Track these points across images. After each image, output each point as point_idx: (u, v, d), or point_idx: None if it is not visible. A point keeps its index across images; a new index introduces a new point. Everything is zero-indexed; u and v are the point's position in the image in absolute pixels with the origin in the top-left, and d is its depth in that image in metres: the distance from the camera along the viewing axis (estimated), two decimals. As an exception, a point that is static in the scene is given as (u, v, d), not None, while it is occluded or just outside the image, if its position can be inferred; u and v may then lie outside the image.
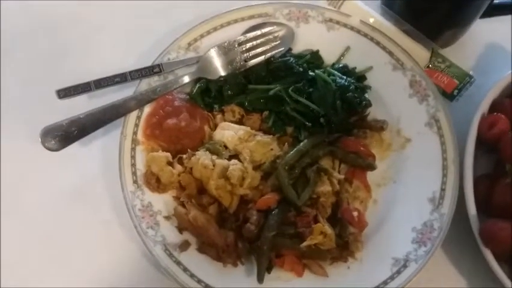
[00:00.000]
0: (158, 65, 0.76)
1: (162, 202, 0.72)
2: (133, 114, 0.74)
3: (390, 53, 0.78)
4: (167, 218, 0.72)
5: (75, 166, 0.77)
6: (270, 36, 0.78)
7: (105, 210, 0.75)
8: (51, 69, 0.82)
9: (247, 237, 0.69)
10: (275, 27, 0.79)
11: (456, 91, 0.81)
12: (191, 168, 0.72)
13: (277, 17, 0.80)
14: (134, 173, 0.72)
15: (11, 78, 0.82)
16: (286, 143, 0.74)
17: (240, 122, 0.76)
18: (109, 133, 0.77)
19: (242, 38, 0.78)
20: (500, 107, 0.75)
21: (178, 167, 0.73)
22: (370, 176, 0.75)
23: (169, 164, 0.73)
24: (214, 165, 0.71)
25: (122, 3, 0.85)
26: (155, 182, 0.72)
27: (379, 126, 0.76)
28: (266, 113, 0.76)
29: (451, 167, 0.72)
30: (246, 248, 0.70)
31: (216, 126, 0.76)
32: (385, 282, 0.68)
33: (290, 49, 0.80)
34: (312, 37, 0.80)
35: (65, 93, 0.74)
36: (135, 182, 0.72)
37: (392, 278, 0.68)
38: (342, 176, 0.73)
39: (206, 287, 0.68)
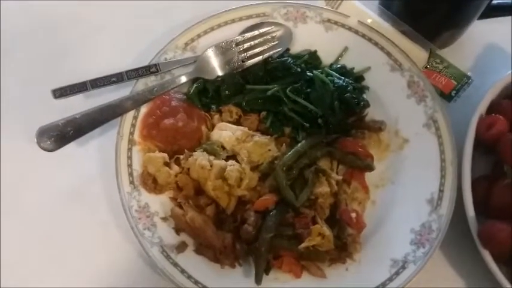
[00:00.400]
0: (155, 65, 0.76)
1: (159, 203, 0.72)
2: (130, 115, 0.74)
3: (388, 54, 0.78)
4: (164, 219, 0.71)
5: (71, 167, 0.76)
6: (268, 37, 0.78)
7: (102, 212, 0.75)
8: (49, 69, 0.82)
9: (245, 238, 0.69)
10: (273, 27, 0.79)
11: (454, 92, 0.81)
12: (188, 169, 0.72)
13: (275, 17, 0.80)
14: (131, 174, 0.72)
15: (8, 78, 0.81)
16: (284, 144, 0.74)
17: (237, 123, 0.76)
18: (105, 133, 0.76)
19: (240, 38, 0.77)
20: (499, 108, 0.75)
21: (175, 168, 0.72)
22: (368, 177, 0.75)
23: (166, 164, 0.72)
24: (211, 166, 0.70)
25: (119, 3, 0.85)
26: (152, 183, 0.71)
27: (377, 127, 0.76)
28: (264, 113, 0.76)
29: (449, 168, 0.72)
30: (243, 250, 0.69)
31: (213, 126, 0.76)
32: (384, 284, 0.68)
33: (288, 49, 0.80)
34: (310, 37, 0.80)
35: (61, 92, 0.73)
36: (131, 182, 0.71)
37: (390, 279, 0.68)
38: (340, 177, 0.73)
39: (203, 289, 0.68)
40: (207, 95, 0.77)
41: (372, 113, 0.77)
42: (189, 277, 0.68)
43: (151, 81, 0.76)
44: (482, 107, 0.75)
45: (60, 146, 0.71)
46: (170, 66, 0.77)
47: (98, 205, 0.75)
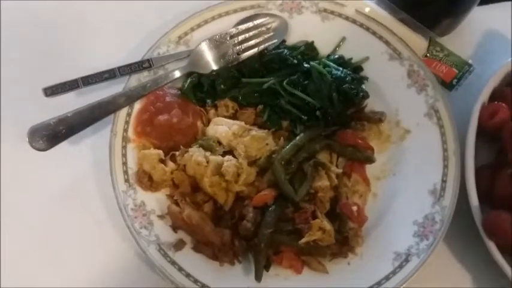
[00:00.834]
0: (148, 60, 0.74)
1: (155, 201, 0.71)
2: (123, 112, 0.73)
3: (387, 43, 0.77)
4: (161, 217, 0.70)
5: (64, 166, 0.75)
6: (263, 28, 0.77)
7: (97, 211, 0.73)
8: (39, 67, 0.80)
9: (243, 234, 0.68)
10: (268, 18, 0.77)
11: (455, 80, 0.79)
12: (184, 166, 0.70)
13: (270, 8, 0.78)
14: (126, 172, 0.71)
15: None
16: (281, 138, 0.73)
17: (233, 117, 0.75)
18: (99, 131, 0.75)
19: (234, 31, 0.76)
20: (501, 95, 0.74)
21: (171, 165, 0.71)
22: (369, 169, 0.74)
23: (162, 161, 0.71)
24: (208, 162, 0.69)
25: (110, -3, 0.83)
26: (147, 181, 0.70)
27: (377, 118, 0.75)
28: (260, 107, 0.75)
29: (452, 158, 0.71)
30: (242, 246, 0.68)
31: (209, 121, 0.75)
32: (387, 278, 0.67)
33: (284, 41, 0.79)
34: (306, 28, 0.78)
35: (52, 91, 0.72)
36: (126, 181, 0.70)
37: (394, 272, 0.67)
38: (340, 170, 0.72)
39: (203, 287, 0.66)
40: (202, 89, 0.75)
41: (371, 104, 0.76)
42: (188, 275, 0.67)
43: (144, 76, 0.75)
44: (484, 95, 0.73)
45: (52, 145, 0.69)
46: (163, 61, 0.75)
47: (93, 204, 0.73)
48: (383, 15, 0.79)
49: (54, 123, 0.69)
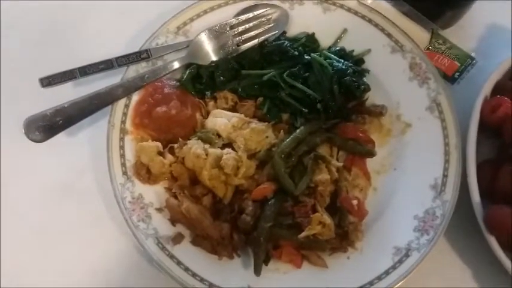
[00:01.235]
0: (146, 51, 0.73)
1: (154, 194, 0.70)
2: (121, 103, 0.72)
3: (389, 35, 0.76)
4: (159, 210, 0.69)
5: (61, 158, 0.74)
6: (263, 19, 0.76)
7: (94, 204, 0.72)
8: (36, 57, 0.79)
9: (243, 228, 0.67)
10: (268, 9, 0.76)
11: (457, 74, 0.79)
12: (183, 158, 0.69)
13: (271, -1, 0.77)
14: (123, 164, 0.70)
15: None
16: (281, 131, 0.72)
17: (233, 109, 0.74)
18: (96, 123, 0.74)
19: (234, 21, 0.75)
20: (504, 89, 0.73)
21: (170, 157, 0.70)
22: (370, 163, 0.73)
23: (160, 154, 0.70)
24: (207, 155, 0.68)
25: (107, -14, 0.82)
26: (145, 173, 0.69)
27: (378, 112, 0.74)
28: (260, 99, 0.74)
29: (454, 152, 0.70)
30: (241, 240, 0.68)
31: (208, 113, 0.74)
32: (387, 272, 0.66)
33: (284, 32, 0.77)
34: (307, 19, 0.77)
35: (49, 81, 0.71)
36: (124, 173, 0.69)
37: (394, 267, 0.66)
38: (340, 164, 0.71)
39: (201, 281, 0.66)
40: (201, 81, 0.74)
41: (372, 97, 0.75)
42: (186, 269, 0.66)
43: (142, 67, 0.74)
44: (486, 89, 0.73)
45: (49, 136, 0.68)
46: (162, 52, 0.74)
47: (90, 197, 0.73)
48: (385, 7, 0.78)
49: (51, 114, 0.68)
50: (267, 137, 0.71)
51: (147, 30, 0.75)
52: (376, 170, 0.73)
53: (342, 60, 0.73)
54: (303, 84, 0.72)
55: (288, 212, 0.68)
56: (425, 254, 0.66)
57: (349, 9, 0.76)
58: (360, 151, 0.72)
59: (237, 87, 0.74)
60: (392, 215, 0.70)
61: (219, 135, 0.71)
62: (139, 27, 0.78)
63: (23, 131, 0.67)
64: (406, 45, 0.75)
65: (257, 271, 0.66)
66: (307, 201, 0.67)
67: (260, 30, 0.75)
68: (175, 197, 0.68)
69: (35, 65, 0.76)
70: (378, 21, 0.76)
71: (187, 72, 0.74)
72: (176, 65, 0.73)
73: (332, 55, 0.74)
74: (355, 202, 0.69)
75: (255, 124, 0.71)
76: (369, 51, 0.76)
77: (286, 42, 0.75)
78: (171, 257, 0.66)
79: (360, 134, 0.72)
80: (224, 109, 0.73)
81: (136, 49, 0.73)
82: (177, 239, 0.68)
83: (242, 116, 0.72)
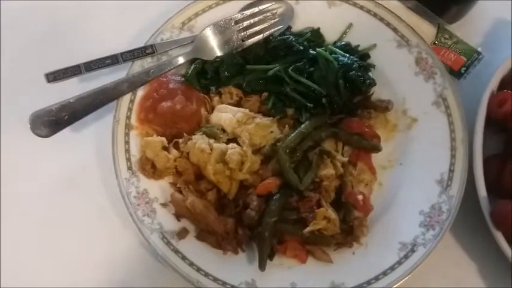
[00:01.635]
0: (151, 46, 0.73)
1: (158, 189, 0.70)
2: (126, 98, 0.72)
3: (395, 30, 0.75)
4: (164, 205, 0.69)
5: (66, 153, 0.74)
6: (268, 14, 0.75)
7: (100, 199, 0.73)
8: (41, 53, 0.79)
9: (247, 223, 0.67)
10: (273, 3, 0.76)
11: (464, 68, 0.78)
12: (188, 153, 0.69)
13: (276, -6, 0.76)
14: (128, 159, 0.70)
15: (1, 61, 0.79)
16: (286, 125, 0.72)
17: (238, 104, 0.74)
18: (101, 118, 0.74)
19: (239, 16, 0.75)
20: (510, 84, 0.73)
21: (174, 152, 0.70)
22: (375, 158, 0.73)
23: (165, 149, 0.70)
24: (211, 150, 0.68)
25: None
26: (150, 168, 0.69)
27: (384, 107, 0.74)
28: (265, 94, 0.74)
29: (460, 147, 0.70)
30: (246, 235, 0.67)
31: (213, 109, 0.73)
32: (392, 268, 0.66)
33: (289, 27, 0.77)
34: (312, 14, 0.77)
35: (54, 76, 0.71)
36: (129, 168, 0.69)
37: (399, 263, 0.66)
38: (345, 159, 0.70)
39: (206, 276, 0.66)
40: (206, 76, 0.74)
41: (378, 92, 0.74)
42: (191, 264, 0.66)
43: (147, 63, 0.74)
44: (493, 84, 0.72)
45: (54, 131, 0.68)
46: (167, 47, 0.74)
47: (95, 192, 0.73)
48: (391, 1, 0.77)
49: (57, 109, 0.68)
50: (271, 132, 0.70)
51: (152, 27, 0.74)
52: (381, 165, 0.73)
53: (348, 55, 0.73)
54: (308, 79, 0.72)
55: (292, 207, 0.68)
56: (431, 249, 0.66)
57: (354, 4, 0.76)
58: (366, 146, 0.71)
59: (242, 83, 0.73)
60: (398, 210, 0.70)
61: (223, 130, 0.71)
62: (144, 23, 0.78)
63: (29, 126, 0.68)
64: (412, 39, 0.74)
65: (262, 266, 0.66)
66: (312, 196, 0.67)
67: (265, 25, 0.75)
68: (180, 192, 0.68)
69: (41, 60, 0.76)
70: (384, 16, 0.75)
71: (192, 67, 0.73)
72: (181, 60, 0.73)
73: (337, 50, 0.73)
74: (360, 197, 0.68)
75: (260, 119, 0.71)
76: (374, 46, 0.76)
77: (291, 37, 0.74)
78: (176, 251, 0.66)
79: (366, 129, 0.71)
80: (229, 104, 0.73)
81: (142, 45, 0.73)
82: (182, 233, 0.68)
83: (247, 111, 0.71)
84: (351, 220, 0.68)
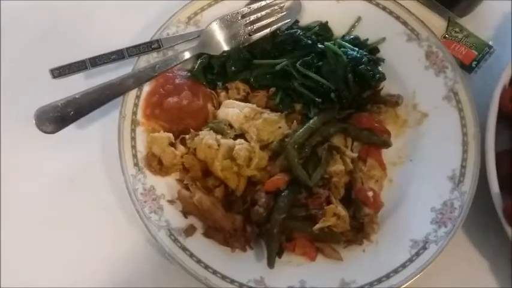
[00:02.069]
0: (157, 41, 0.72)
1: (165, 185, 0.69)
2: (132, 94, 0.71)
3: (404, 23, 0.74)
4: (171, 202, 0.68)
5: (72, 150, 0.73)
6: (276, 7, 0.74)
7: (106, 196, 0.72)
8: (47, 48, 0.78)
9: (255, 220, 0.66)
10: (281, -3, 0.75)
11: (475, 62, 0.76)
12: (195, 149, 0.68)
13: (283, -13, 0.75)
14: (135, 156, 0.69)
15: (5, 58, 0.78)
16: (295, 121, 0.71)
17: (245, 100, 0.73)
18: (107, 114, 0.73)
19: (246, 10, 0.74)
20: (523, 78, 0.71)
21: (181, 148, 0.69)
22: (385, 154, 0.71)
23: (172, 145, 0.69)
24: (219, 146, 0.67)
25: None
26: (157, 165, 0.69)
27: (393, 101, 0.72)
28: (273, 89, 0.73)
29: (472, 142, 0.69)
30: (254, 232, 0.66)
31: (219, 104, 0.72)
32: (404, 266, 0.65)
33: (297, 21, 0.76)
34: (320, 8, 0.76)
35: (59, 72, 0.70)
36: (136, 164, 0.69)
37: (411, 260, 0.65)
38: (355, 155, 0.69)
39: (214, 273, 0.65)
40: (213, 71, 0.73)
41: (387, 87, 0.73)
42: (199, 261, 0.65)
43: (153, 58, 0.73)
44: (505, 78, 0.71)
45: (60, 127, 0.68)
46: (173, 42, 0.73)
47: (102, 189, 0.72)
48: (400, -6, 0.76)
49: (62, 105, 0.68)
50: (279, 127, 0.69)
51: (157, 22, 0.73)
52: (391, 161, 0.71)
53: (357, 49, 0.71)
54: (316, 73, 0.70)
55: (301, 203, 0.67)
56: (443, 246, 0.65)
57: (362, -3, 0.75)
58: (376, 141, 0.70)
59: (249, 78, 0.72)
60: (409, 207, 0.68)
61: (231, 126, 0.70)
62: (150, 18, 0.77)
63: (34, 121, 0.67)
64: (422, 33, 0.73)
65: (270, 263, 0.65)
66: (321, 192, 0.66)
67: (272, 19, 0.74)
68: (187, 188, 0.68)
69: (45, 57, 0.75)
70: (393, 9, 0.74)
71: (199, 62, 0.72)
72: (187, 55, 0.72)
73: (346, 44, 0.72)
74: (370, 194, 0.67)
75: (268, 114, 0.70)
76: (383, 39, 0.74)
77: (299, 31, 0.73)
78: (184, 249, 0.66)
79: (375, 124, 0.70)
80: (236, 100, 0.72)
81: (147, 40, 0.72)
82: (189, 231, 0.67)
83: (254, 106, 0.70)
84: (361, 217, 0.67)
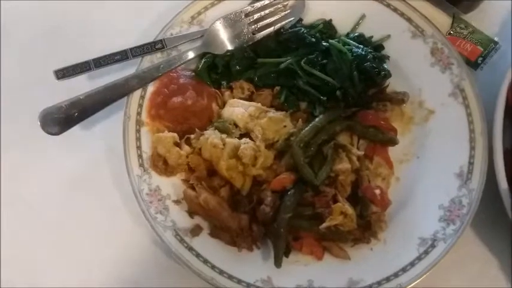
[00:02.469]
0: (161, 41, 0.72)
1: (171, 186, 0.69)
2: (137, 94, 0.71)
3: (409, 20, 0.73)
4: (177, 202, 0.68)
5: (77, 151, 0.73)
6: (279, 6, 0.74)
7: (111, 197, 0.72)
8: (50, 50, 0.78)
9: (262, 219, 0.66)
10: (284, -5, 0.74)
11: (480, 59, 0.76)
12: (200, 149, 0.68)
13: (286, -15, 0.75)
14: (140, 156, 0.69)
15: (9, 59, 0.78)
16: (300, 119, 0.70)
17: (249, 99, 0.72)
18: (112, 115, 0.73)
19: (249, 9, 0.73)
20: (530, 74, 0.70)
21: (186, 148, 0.69)
22: (392, 151, 0.71)
23: (177, 145, 0.69)
24: (224, 145, 0.67)
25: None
26: (162, 165, 0.68)
27: (399, 99, 0.72)
28: (277, 88, 0.72)
29: (479, 139, 0.68)
30: (261, 232, 0.66)
31: (224, 104, 0.72)
32: (412, 264, 0.64)
33: (300, 19, 0.75)
34: (324, 6, 0.75)
35: (64, 73, 0.70)
36: (141, 165, 0.68)
37: (419, 258, 0.64)
38: (361, 153, 0.69)
39: (221, 273, 0.64)
40: (217, 70, 0.73)
41: (393, 84, 0.73)
42: (205, 262, 0.65)
43: (157, 58, 0.72)
44: (511, 74, 0.70)
45: (64, 129, 0.68)
46: (176, 42, 0.73)
47: (107, 190, 0.72)
48: (404, -9, 0.76)
49: (67, 106, 0.67)
50: (285, 126, 0.69)
51: (161, 22, 0.73)
52: (398, 159, 0.71)
53: (361, 46, 0.71)
54: (321, 71, 0.70)
55: (308, 202, 0.66)
56: (452, 244, 0.64)
57: (366, -6, 0.75)
58: (382, 139, 0.70)
59: (253, 77, 0.72)
60: (417, 204, 0.68)
61: (236, 125, 0.69)
62: (153, 18, 0.77)
63: (39, 123, 0.67)
64: (427, 30, 0.72)
65: (278, 263, 0.64)
66: (328, 191, 0.66)
67: (276, 17, 0.73)
68: (193, 188, 0.67)
69: (49, 58, 0.75)
70: (397, 6, 0.73)
71: (203, 61, 0.72)
72: (191, 54, 0.72)
73: (351, 41, 0.72)
74: (377, 191, 0.67)
75: (273, 113, 0.69)
76: (388, 37, 0.74)
77: (303, 29, 0.73)
78: (190, 249, 0.65)
79: (381, 122, 0.70)
80: (240, 99, 0.71)
81: (151, 40, 0.72)
82: (196, 231, 0.67)
83: (259, 105, 0.70)
84: (368, 215, 0.66)
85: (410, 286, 0.63)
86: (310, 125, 0.68)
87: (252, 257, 0.66)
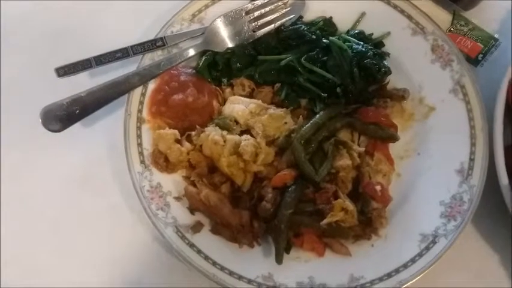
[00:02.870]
0: (161, 38, 0.72)
1: (172, 182, 0.69)
2: (138, 91, 0.71)
3: (409, 17, 0.74)
4: (178, 198, 0.68)
5: (78, 148, 0.73)
6: (279, 3, 0.74)
7: (113, 194, 0.72)
8: (52, 47, 0.79)
9: (263, 216, 0.66)
10: (284, -7, 0.75)
11: (481, 55, 0.76)
12: (201, 146, 0.68)
13: (286, -17, 0.75)
14: (141, 153, 0.69)
15: (10, 57, 0.78)
16: (300, 116, 0.70)
17: (250, 96, 0.73)
18: (113, 112, 0.73)
19: (249, 6, 0.74)
20: (530, 70, 0.70)
21: (187, 145, 0.69)
22: (393, 148, 0.71)
23: (178, 141, 0.69)
24: (225, 141, 0.67)
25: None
26: (163, 162, 0.68)
27: (400, 95, 0.72)
28: (278, 85, 0.73)
29: (480, 135, 0.68)
30: (262, 228, 0.66)
31: (225, 101, 0.72)
32: (413, 260, 0.64)
33: (301, 17, 0.76)
34: (324, 3, 0.75)
35: (65, 71, 0.70)
36: (142, 162, 0.69)
37: (420, 255, 0.64)
38: (362, 149, 0.69)
39: (222, 269, 0.65)
40: (217, 68, 0.73)
41: (393, 81, 0.73)
42: (206, 258, 0.65)
43: (158, 56, 0.73)
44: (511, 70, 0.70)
45: (66, 126, 0.68)
46: (177, 40, 0.73)
47: (108, 187, 0.72)
48: (404, -12, 0.76)
49: (68, 103, 0.68)
50: (285, 123, 0.69)
51: (162, 20, 0.73)
52: (399, 155, 0.71)
53: (362, 43, 0.71)
54: (321, 68, 0.70)
55: (309, 198, 0.66)
56: (453, 240, 0.64)
57: (366, -8, 0.75)
58: (382, 135, 0.70)
59: (254, 74, 0.72)
60: (418, 201, 0.68)
61: (236, 122, 0.70)
62: (154, 16, 0.77)
63: (40, 120, 0.67)
64: (427, 27, 0.73)
65: (278, 259, 0.64)
66: (329, 187, 0.66)
67: (276, 15, 0.73)
68: (194, 185, 0.67)
69: (51, 55, 0.76)
70: (397, 3, 0.73)
71: (203, 59, 0.72)
72: (192, 52, 0.72)
73: (351, 38, 0.72)
74: (378, 188, 0.67)
75: (273, 110, 0.70)
76: (388, 34, 0.74)
77: (303, 26, 0.73)
78: (191, 245, 0.65)
79: (382, 118, 0.70)
80: (241, 96, 0.71)
81: (151, 38, 0.72)
82: (197, 227, 0.67)
83: (260, 102, 0.70)
84: (369, 211, 0.66)
85: (411, 282, 0.63)
86: (311, 121, 0.68)
87: (253, 253, 0.66)
